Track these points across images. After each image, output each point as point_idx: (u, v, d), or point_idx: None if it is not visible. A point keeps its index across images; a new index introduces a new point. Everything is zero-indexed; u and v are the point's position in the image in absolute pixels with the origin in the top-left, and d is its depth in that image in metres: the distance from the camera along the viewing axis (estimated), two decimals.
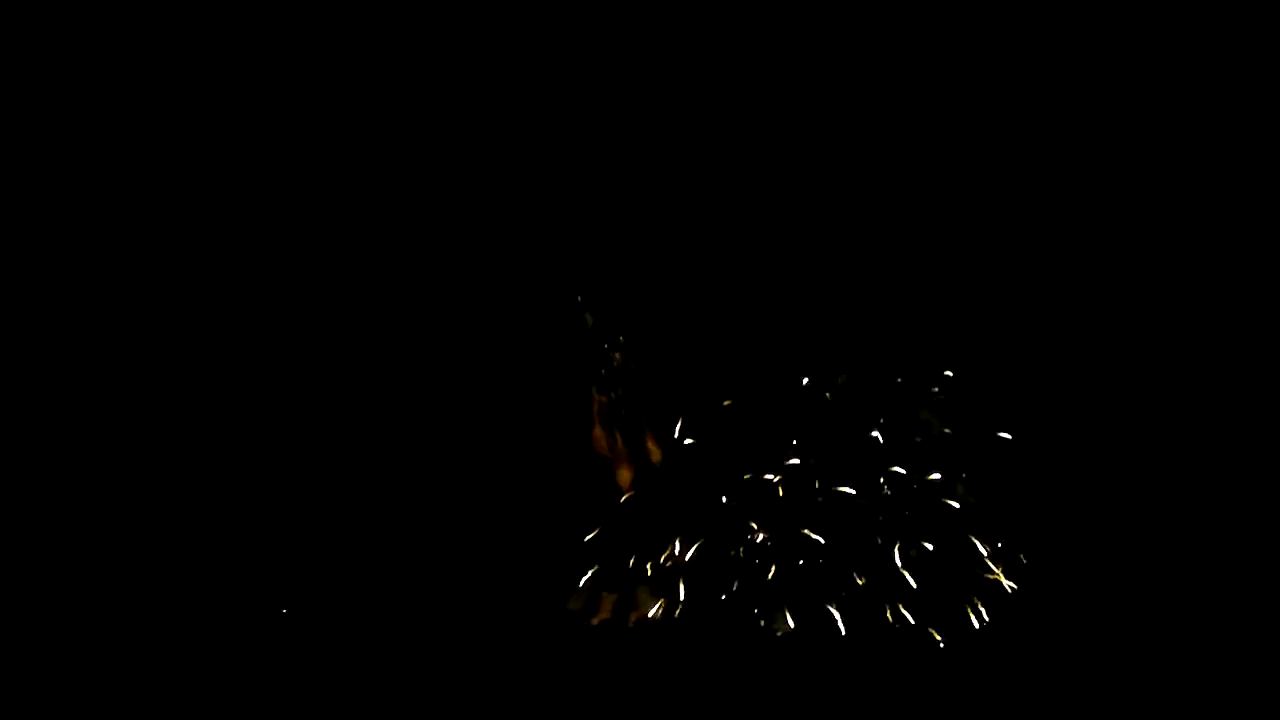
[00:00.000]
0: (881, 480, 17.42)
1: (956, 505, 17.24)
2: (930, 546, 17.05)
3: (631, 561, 17.65)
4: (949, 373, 17.78)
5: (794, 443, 17.28)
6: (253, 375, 18.47)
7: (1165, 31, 17.79)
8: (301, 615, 17.78)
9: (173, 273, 18.49)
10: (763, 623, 17.19)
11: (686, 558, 17.27)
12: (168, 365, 18.39)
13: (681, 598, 17.31)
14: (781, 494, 17.29)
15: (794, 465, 17.35)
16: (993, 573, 17.23)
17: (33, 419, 18.03)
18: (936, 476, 17.26)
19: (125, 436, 18.17)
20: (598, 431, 17.91)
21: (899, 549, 17.17)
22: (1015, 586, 17.34)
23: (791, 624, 17.05)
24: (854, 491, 17.14)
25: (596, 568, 17.75)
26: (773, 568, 17.22)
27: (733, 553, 17.34)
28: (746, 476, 17.40)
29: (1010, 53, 17.94)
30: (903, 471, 17.31)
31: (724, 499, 17.43)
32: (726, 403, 17.67)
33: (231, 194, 18.51)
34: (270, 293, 18.57)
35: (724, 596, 17.24)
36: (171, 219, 18.51)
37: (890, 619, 17.09)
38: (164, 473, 18.14)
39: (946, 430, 17.73)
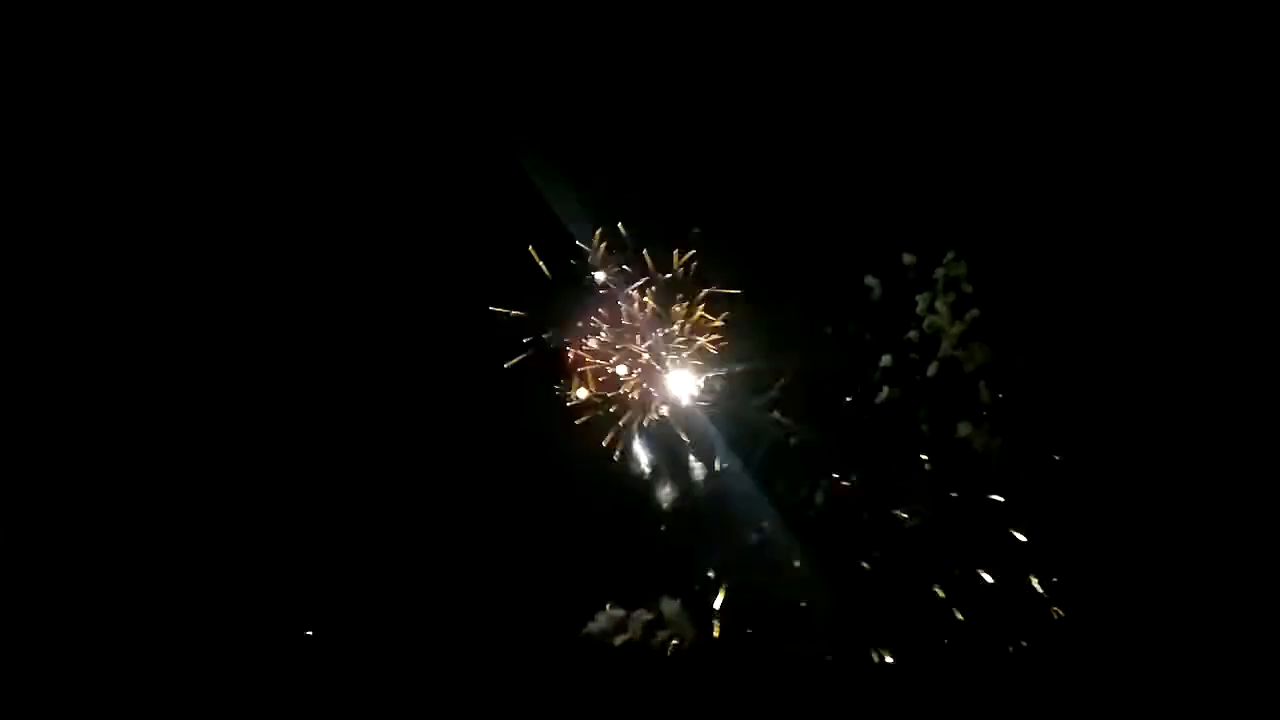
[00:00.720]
0: (923, 506, 16.97)
1: (1017, 535, 16.73)
2: (987, 577, 16.61)
3: (664, 583, 17.18)
4: (1000, 394, 17.13)
5: (835, 474, 16.92)
6: (256, 384, 17.91)
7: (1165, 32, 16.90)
8: (319, 631, 17.37)
9: (173, 273, 17.89)
10: (799, 652, 16.76)
11: (720, 592, 16.87)
12: (167, 366, 17.83)
13: (715, 626, 16.88)
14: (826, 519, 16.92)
15: (840, 488, 16.94)
16: (1043, 602, 16.73)
17: (32, 420, 17.41)
18: (998, 499, 16.73)
19: (125, 437, 17.62)
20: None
21: (940, 578, 16.71)
22: (1062, 613, 16.85)
23: (829, 655, 16.65)
24: (905, 515, 16.76)
25: (626, 587, 17.22)
26: (809, 596, 16.84)
27: (772, 579, 16.93)
28: (788, 501, 16.99)
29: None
30: (955, 495, 16.85)
31: (764, 524, 17.02)
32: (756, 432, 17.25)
33: (231, 195, 17.89)
34: (272, 297, 17.98)
35: (753, 629, 16.86)
36: (171, 220, 17.89)
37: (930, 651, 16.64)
38: (165, 474, 17.59)
39: (992, 450, 17.11)
